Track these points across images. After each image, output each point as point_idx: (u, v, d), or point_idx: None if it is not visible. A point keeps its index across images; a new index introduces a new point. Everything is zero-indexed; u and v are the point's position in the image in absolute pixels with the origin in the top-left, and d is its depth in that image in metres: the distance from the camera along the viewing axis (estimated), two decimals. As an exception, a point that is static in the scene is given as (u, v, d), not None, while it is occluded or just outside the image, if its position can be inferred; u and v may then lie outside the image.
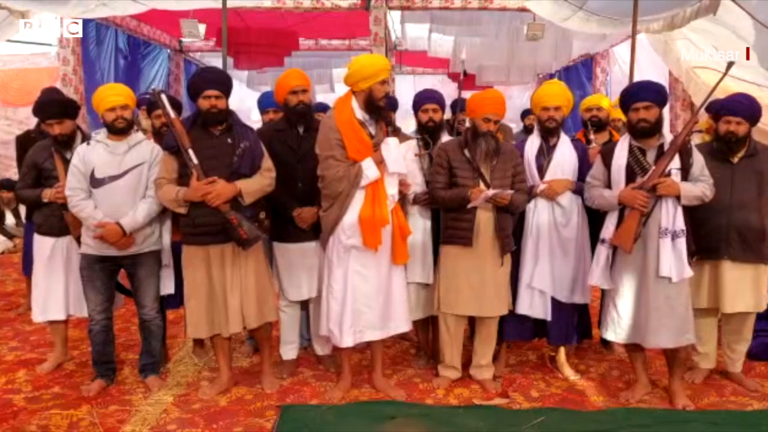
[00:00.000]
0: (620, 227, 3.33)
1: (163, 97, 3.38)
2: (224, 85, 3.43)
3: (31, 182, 3.76)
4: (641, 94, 3.35)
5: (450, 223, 3.61)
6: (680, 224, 3.29)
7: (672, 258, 3.27)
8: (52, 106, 3.74)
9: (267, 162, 3.49)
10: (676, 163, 3.30)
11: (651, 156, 3.35)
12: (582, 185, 3.70)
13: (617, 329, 3.46)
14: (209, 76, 3.47)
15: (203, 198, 3.28)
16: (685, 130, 3.34)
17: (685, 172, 3.33)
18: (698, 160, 3.37)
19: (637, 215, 3.27)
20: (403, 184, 3.53)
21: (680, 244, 3.28)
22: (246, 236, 3.29)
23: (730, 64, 3.57)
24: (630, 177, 3.35)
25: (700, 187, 3.32)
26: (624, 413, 3.37)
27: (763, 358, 4.06)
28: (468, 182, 3.53)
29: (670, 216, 3.28)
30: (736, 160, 3.54)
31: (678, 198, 3.27)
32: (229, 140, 3.40)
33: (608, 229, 3.40)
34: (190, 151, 3.30)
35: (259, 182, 3.42)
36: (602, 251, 3.42)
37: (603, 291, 3.59)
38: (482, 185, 3.52)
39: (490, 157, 3.54)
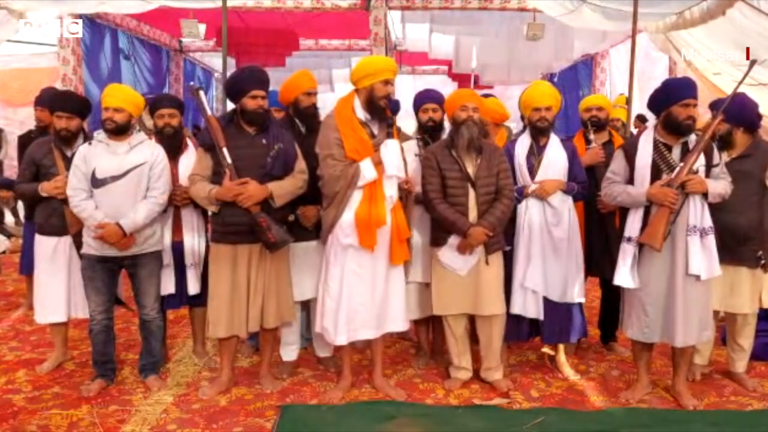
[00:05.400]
0: (649, 225, 3.27)
1: (201, 94, 3.42)
2: (267, 86, 3.45)
3: (30, 178, 3.74)
4: (693, 91, 3.30)
5: (438, 226, 3.61)
6: (708, 221, 3.26)
7: (701, 256, 3.23)
8: (69, 99, 3.77)
9: (300, 164, 3.50)
10: (700, 160, 3.27)
11: (676, 153, 3.32)
12: (573, 185, 3.71)
13: (644, 329, 3.39)
14: (258, 76, 3.45)
15: (235, 198, 3.29)
16: (711, 127, 3.30)
17: (707, 170, 3.31)
18: (721, 157, 3.36)
19: (666, 213, 3.22)
20: (409, 182, 3.52)
21: (709, 242, 3.25)
22: (274, 240, 3.31)
23: (752, 62, 3.52)
24: (655, 174, 3.30)
25: (723, 184, 3.31)
26: (624, 413, 3.37)
27: (763, 358, 4.06)
28: (457, 184, 3.52)
29: (698, 213, 3.24)
30: (727, 159, 3.54)
31: (705, 195, 3.25)
32: (264, 141, 3.41)
33: (634, 228, 3.34)
34: (225, 150, 3.32)
35: (291, 184, 3.44)
36: (628, 250, 3.36)
37: (621, 290, 3.52)
38: (472, 196, 3.52)
39: (473, 146, 3.52)
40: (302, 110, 3.72)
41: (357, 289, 3.40)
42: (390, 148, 3.34)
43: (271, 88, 3.55)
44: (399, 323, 3.57)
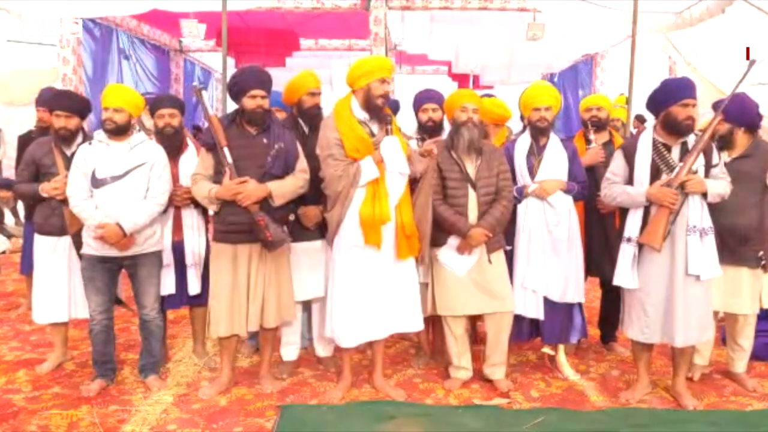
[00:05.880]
0: (648, 226, 3.27)
1: (204, 94, 3.45)
2: (268, 86, 3.47)
3: (29, 178, 3.74)
4: (692, 91, 3.30)
5: (437, 226, 3.59)
6: (708, 221, 3.26)
7: (701, 255, 3.23)
8: (67, 98, 3.78)
9: (302, 163, 3.51)
10: (700, 160, 3.27)
11: (675, 153, 3.31)
12: (573, 185, 3.71)
13: (645, 329, 3.39)
14: (257, 76, 3.47)
15: (234, 197, 3.31)
16: (710, 127, 3.30)
17: (706, 170, 3.30)
18: (720, 157, 3.36)
19: (665, 213, 3.22)
20: (436, 142, 3.46)
21: (709, 242, 3.25)
22: (271, 238, 3.32)
23: (752, 62, 3.51)
24: (654, 174, 3.30)
25: (722, 184, 3.30)
26: (624, 413, 3.37)
27: (764, 358, 4.06)
28: (457, 185, 3.54)
29: (698, 213, 3.24)
30: (727, 160, 3.54)
31: (704, 195, 3.24)
32: (265, 140, 3.43)
33: (633, 228, 3.34)
34: (225, 150, 3.35)
35: (292, 184, 3.45)
36: (628, 250, 3.35)
37: (621, 290, 3.52)
38: (472, 197, 3.52)
39: (474, 147, 3.54)
40: (306, 110, 3.74)
41: (365, 291, 3.40)
42: (390, 145, 3.35)
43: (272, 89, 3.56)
44: (413, 323, 3.56)
